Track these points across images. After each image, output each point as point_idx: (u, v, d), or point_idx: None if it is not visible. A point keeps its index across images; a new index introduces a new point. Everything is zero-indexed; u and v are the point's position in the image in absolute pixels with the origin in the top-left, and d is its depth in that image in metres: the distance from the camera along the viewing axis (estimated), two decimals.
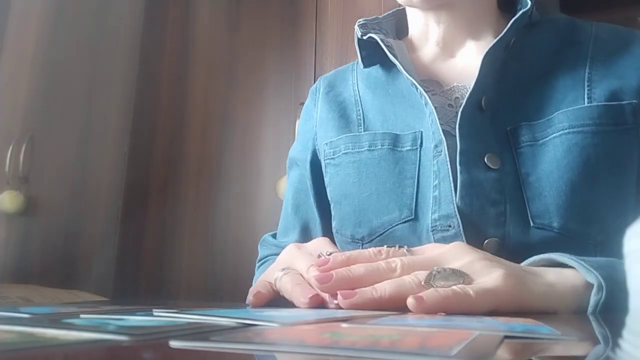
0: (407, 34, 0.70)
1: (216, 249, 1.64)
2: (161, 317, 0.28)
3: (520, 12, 0.56)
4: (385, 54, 0.61)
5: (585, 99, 0.54)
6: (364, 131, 0.63)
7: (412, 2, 0.61)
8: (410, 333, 0.21)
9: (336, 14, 1.63)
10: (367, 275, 0.40)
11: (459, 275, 0.39)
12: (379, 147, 0.60)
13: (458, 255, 0.42)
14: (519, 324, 0.26)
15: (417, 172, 0.57)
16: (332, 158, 0.64)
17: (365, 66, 0.66)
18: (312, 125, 0.69)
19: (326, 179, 0.65)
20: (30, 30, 1.54)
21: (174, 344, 0.19)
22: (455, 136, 0.54)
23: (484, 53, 0.55)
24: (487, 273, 0.39)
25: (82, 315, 0.28)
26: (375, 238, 0.58)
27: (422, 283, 0.38)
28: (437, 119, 0.55)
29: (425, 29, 0.65)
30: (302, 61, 1.65)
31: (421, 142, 0.58)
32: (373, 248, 0.44)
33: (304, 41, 1.66)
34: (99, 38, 1.73)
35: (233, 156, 1.69)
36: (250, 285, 0.57)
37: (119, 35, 1.81)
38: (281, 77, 1.68)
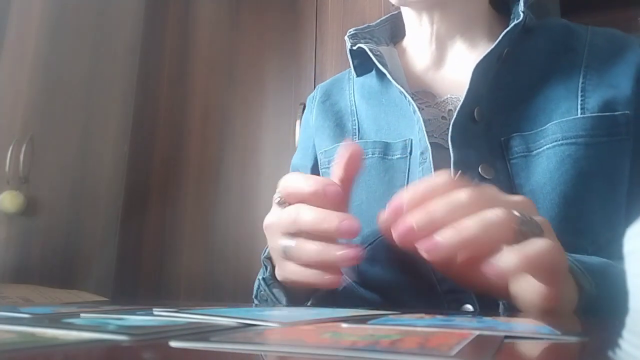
0: (403, 38, 0.70)
1: (216, 249, 1.64)
2: (161, 316, 0.28)
3: (513, 24, 0.56)
4: (375, 62, 0.61)
5: (579, 110, 0.53)
6: (358, 140, 0.63)
7: (405, 1, 0.61)
8: (410, 333, 0.21)
9: (336, 14, 1.63)
10: (449, 215, 0.35)
11: (540, 231, 0.35)
12: (370, 155, 0.60)
13: (531, 211, 0.38)
14: (519, 324, 0.26)
15: (406, 180, 0.57)
16: (327, 167, 0.64)
17: (358, 75, 0.67)
18: (310, 133, 0.70)
19: None
20: (30, 30, 1.54)
21: (174, 344, 0.19)
22: (447, 148, 0.53)
23: (476, 63, 0.55)
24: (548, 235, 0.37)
25: (82, 315, 0.28)
26: (367, 246, 0.58)
27: (514, 224, 0.33)
28: (423, 126, 0.55)
29: (419, 30, 0.65)
30: (302, 61, 1.65)
31: (411, 150, 0.58)
32: (445, 176, 0.38)
33: (304, 41, 1.66)
34: (99, 38, 1.73)
35: (233, 156, 1.69)
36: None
37: (119, 35, 1.81)
38: (281, 77, 1.68)
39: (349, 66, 0.69)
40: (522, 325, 0.26)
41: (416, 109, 0.56)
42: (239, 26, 1.78)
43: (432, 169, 0.53)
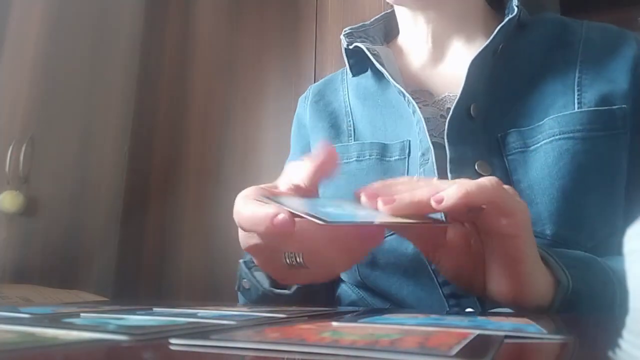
0: (397, 36, 0.69)
1: (216, 249, 1.64)
2: (163, 316, 0.27)
3: (507, 18, 0.56)
4: (373, 62, 0.60)
5: (576, 104, 0.53)
6: (354, 141, 0.62)
7: (402, 1, 0.61)
8: (410, 332, 0.21)
9: (337, 13, 1.63)
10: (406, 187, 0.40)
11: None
12: (367, 157, 0.59)
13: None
14: (508, 323, 0.26)
15: None
16: None
17: (354, 75, 0.66)
18: (305, 133, 0.69)
19: (320, 190, 0.65)
20: (31, 30, 1.54)
21: (174, 343, 0.19)
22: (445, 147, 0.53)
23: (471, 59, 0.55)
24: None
25: (82, 315, 0.28)
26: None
27: None
28: (424, 126, 0.54)
29: (414, 29, 0.64)
30: (302, 61, 1.65)
31: (409, 152, 0.57)
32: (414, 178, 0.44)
33: (304, 41, 1.66)
34: (99, 38, 1.73)
35: (233, 156, 1.69)
36: None
37: (119, 35, 1.81)
38: (281, 77, 1.68)
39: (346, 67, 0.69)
40: (510, 324, 0.26)
41: (416, 108, 0.55)
42: (239, 26, 1.78)
43: (435, 171, 0.52)
